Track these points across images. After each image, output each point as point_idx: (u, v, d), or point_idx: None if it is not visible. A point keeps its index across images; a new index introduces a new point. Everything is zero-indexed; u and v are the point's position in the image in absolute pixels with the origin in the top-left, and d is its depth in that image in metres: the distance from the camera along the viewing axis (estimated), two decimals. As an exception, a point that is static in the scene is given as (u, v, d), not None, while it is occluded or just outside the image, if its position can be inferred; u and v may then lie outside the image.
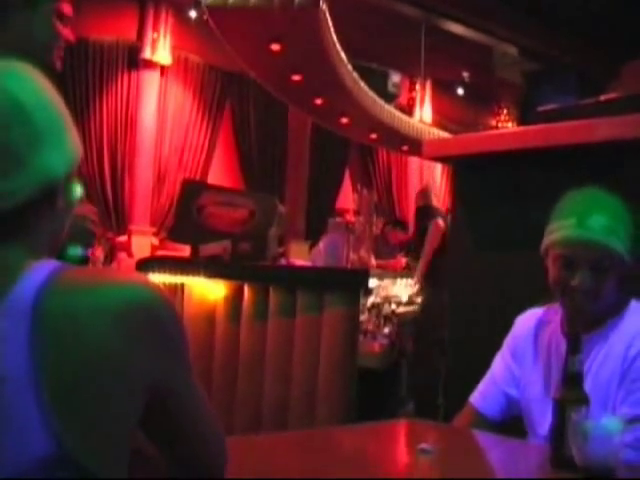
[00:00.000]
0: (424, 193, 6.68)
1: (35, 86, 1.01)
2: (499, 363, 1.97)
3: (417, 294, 5.63)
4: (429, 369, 5.04)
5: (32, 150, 0.96)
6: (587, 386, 1.62)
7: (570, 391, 1.50)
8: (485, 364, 2.00)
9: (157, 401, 0.98)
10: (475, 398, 1.97)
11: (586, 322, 1.79)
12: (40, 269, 0.94)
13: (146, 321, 0.95)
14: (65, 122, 1.04)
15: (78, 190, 1.09)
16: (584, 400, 1.49)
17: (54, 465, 0.86)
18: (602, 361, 1.75)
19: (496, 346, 1.99)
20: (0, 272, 0.94)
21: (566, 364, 1.53)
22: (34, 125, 0.97)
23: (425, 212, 6.34)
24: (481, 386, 1.98)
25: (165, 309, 0.99)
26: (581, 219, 1.73)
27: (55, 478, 0.87)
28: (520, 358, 1.92)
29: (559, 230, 1.77)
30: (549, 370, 1.82)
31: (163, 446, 1.08)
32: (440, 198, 12.50)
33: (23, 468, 0.86)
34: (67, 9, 2.00)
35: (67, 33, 1.99)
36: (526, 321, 1.96)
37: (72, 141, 1.05)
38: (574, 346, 1.54)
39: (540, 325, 1.92)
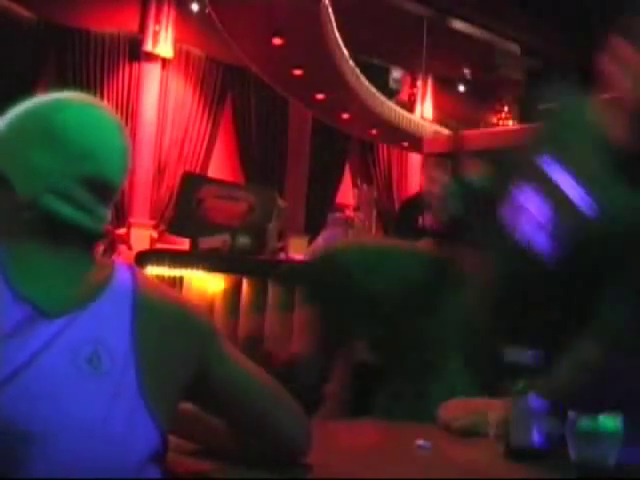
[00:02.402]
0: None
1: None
2: None
3: None
4: None
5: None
6: None
7: (517, 381, 1.52)
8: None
9: (203, 375, 1.16)
10: None
11: None
12: (122, 266, 1.13)
13: (197, 334, 1.15)
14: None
15: None
16: (527, 389, 1.52)
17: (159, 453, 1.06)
18: None
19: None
20: (95, 269, 1.11)
21: (507, 354, 1.54)
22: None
23: None
24: None
25: (205, 324, 1.18)
26: None
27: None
28: None
29: None
30: None
31: (231, 419, 1.26)
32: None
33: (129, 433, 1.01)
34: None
35: None
36: None
37: None
38: (515, 337, 1.54)
39: None
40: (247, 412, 1.25)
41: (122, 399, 1.00)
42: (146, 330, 1.06)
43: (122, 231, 8.51)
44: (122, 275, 1.10)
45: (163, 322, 1.09)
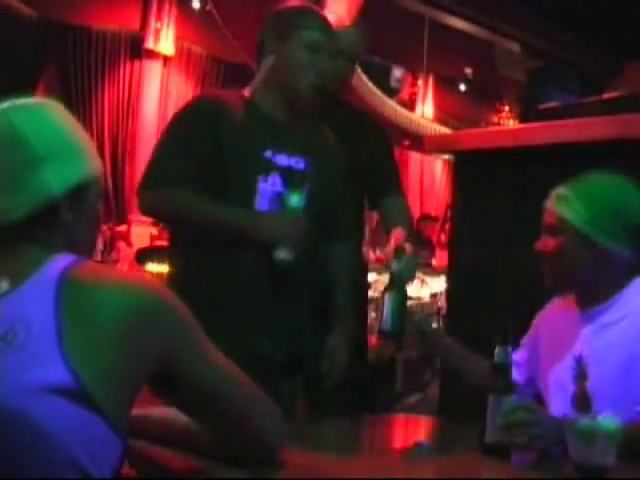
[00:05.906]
0: None
1: (39, 118, 1.20)
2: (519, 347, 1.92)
3: None
4: None
5: (28, 172, 1.16)
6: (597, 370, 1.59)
7: (497, 381, 1.52)
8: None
9: (174, 370, 1.19)
10: None
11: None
12: (63, 257, 1.16)
13: (148, 315, 1.15)
14: (67, 149, 1.21)
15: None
16: (510, 390, 1.52)
17: (72, 395, 1.05)
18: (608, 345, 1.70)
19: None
20: (26, 260, 1.15)
21: (494, 354, 1.54)
22: (32, 151, 1.16)
23: None
24: None
25: (163, 303, 1.19)
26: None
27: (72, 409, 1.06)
28: (536, 340, 1.87)
29: None
30: (554, 353, 1.79)
31: (199, 416, 1.29)
32: (440, 194, 12.53)
33: (46, 391, 1.04)
34: (314, 37, 2.17)
35: (316, 62, 2.15)
36: (545, 309, 1.93)
37: (77, 164, 1.22)
38: (503, 338, 1.54)
39: (551, 310, 1.89)
40: (224, 410, 1.26)
41: (40, 366, 1.05)
42: (72, 303, 1.09)
43: (122, 228, 8.52)
44: (57, 262, 1.14)
45: (91, 296, 1.11)
